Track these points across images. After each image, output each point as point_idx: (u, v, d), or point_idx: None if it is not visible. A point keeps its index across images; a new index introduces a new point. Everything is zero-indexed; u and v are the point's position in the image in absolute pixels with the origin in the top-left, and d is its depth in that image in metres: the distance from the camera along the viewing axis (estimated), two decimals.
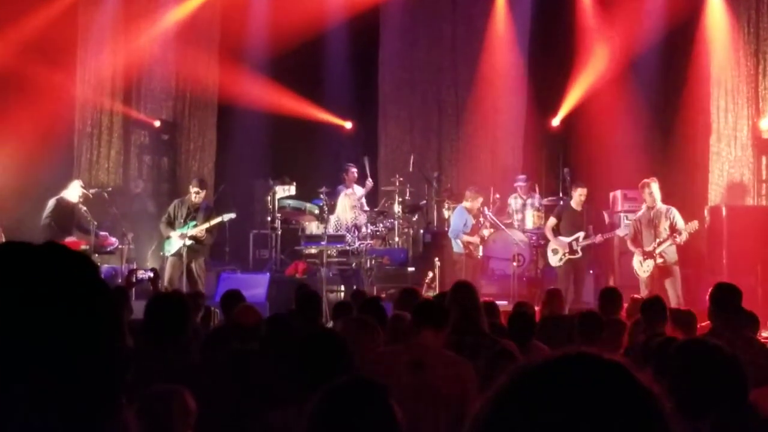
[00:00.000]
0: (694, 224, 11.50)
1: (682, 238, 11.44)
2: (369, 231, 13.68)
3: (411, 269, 13.59)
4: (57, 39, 13.70)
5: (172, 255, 12.11)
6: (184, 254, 12.00)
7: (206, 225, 12.18)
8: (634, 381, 1.16)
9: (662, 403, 1.16)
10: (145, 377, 3.53)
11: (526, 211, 14.28)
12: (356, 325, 5.05)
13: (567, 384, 1.14)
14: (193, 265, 12.17)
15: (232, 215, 12.62)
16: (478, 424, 1.17)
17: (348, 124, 16.31)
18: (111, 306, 1.33)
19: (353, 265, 13.56)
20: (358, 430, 2.61)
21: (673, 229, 11.51)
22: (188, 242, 12.06)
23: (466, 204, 13.16)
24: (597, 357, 1.18)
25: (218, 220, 12.35)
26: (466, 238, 12.97)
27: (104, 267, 12.52)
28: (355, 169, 14.55)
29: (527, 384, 1.16)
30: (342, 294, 12.78)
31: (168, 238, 12.23)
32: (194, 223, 12.16)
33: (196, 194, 12.31)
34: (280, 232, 14.17)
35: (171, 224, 12.26)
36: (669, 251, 11.52)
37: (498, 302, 8.46)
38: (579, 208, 12.49)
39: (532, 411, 1.12)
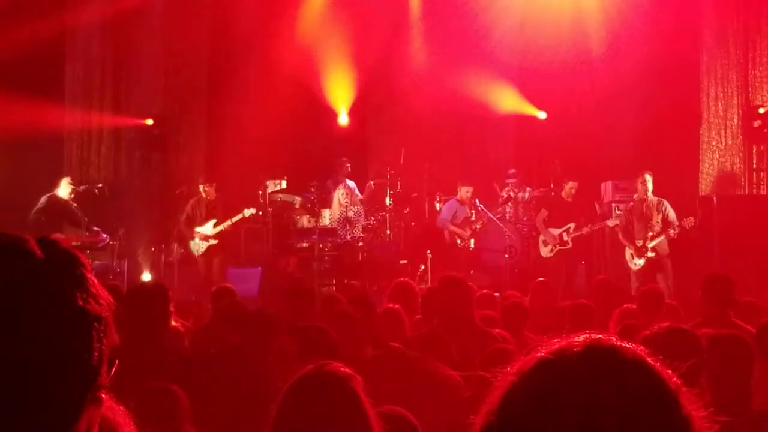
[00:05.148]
0: (690, 220, 11.51)
1: (675, 232, 11.46)
2: (361, 224, 13.69)
3: (403, 262, 13.59)
4: (45, 35, 13.63)
5: (200, 255, 12.66)
6: (211, 251, 12.70)
7: (228, 222, 12.62)
8: (652, 367, 1.17)
9: (681, 388, 1.17)
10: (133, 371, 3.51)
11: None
12: (338, 317, 5.06)
13: (589, 371, 1.14)
14: (215, 261, 12.65)
15: (253, 210, 12.91)
16: (495, 417, 1.17)
17: (343, 118, 16.17)
18: (97, 304, 1.31)
19: (345, 258, 13.57)
20: (322, 416, 2.61)
21: (666, 222, 11.53)
22: (212, 242, 12.59)
23: (458, 196, 13.25)
24: (616, 344, 1.19)
25: (239, 216, 12.71)
26: (453, 228, 13.02)
27: (96, 263, 12.53)
28: (349, 164, 14.54)
29: (549, 371, 1.16)
30: (335, 287, 12.79)
31: (192, 239, 12.67)
32: (214, 221, 12.40)
33: (205, 192, 12.63)
34: (271, 227, 14.14)
35: (191, 224, 12.51)
36: (661, 244, 11.54)
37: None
38: (569, 200, 12.54)
39: (553, 398, 1.13)
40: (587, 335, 1.20)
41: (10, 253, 1.27)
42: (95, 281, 1.32)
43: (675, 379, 1.18)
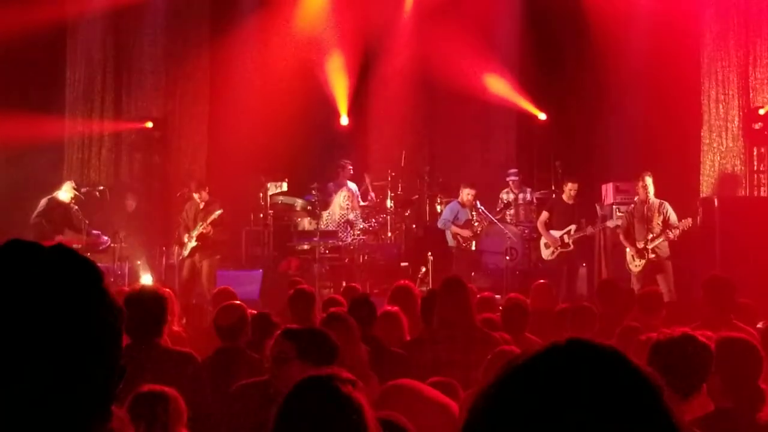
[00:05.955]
0: (688, 221, 11.49)
1: (675, 234, 11.44)
2: (361, 226, 13.68)
3: (404, 264, 13.58)
4: (45, 38, 13.64)
5: (186, 257, 12.63)
6: (196, 254, 12.59)
7: (205, 224, 12.53)
8: (631, 364, 1.15)
9: (660, 385, 1.15)
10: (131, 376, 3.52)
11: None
12: (338, 320, 5.05)
13: (563, 372, 1.12)
14: (203, 265, 12.52)
15: (220, 210, 12.78)
16: (475, 417, 1.15)
17: (344, 120, 16.10)
18: (112, 314, 1.32)
19: (346, 260, 13.57)
20: (323, 421, 2.60)
21: (667, 224, 11.51)
22: (193, 242, 12.53)
23: (460, 198, 13.26)
24: (591, 344, 1.17)
25: (212, 217, 12.59)
26: (455, 228, 13.02)
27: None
28: (350, 166, 14.53)
29: (523, 374, 1.14)
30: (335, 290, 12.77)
31: (185, 242, 12.68)
32: (201, 223, 12.48)
33: (197, 195, 12.65)
34: (272, 229, 14.15)
35: (187, 227, 12.67)
36: (662, 246, 11.52)
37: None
38: (570, 202, 12.54)
39: (528, 401, 1.11)
40: (566, 339, 1.17)
41: (26, 263, 1.27)
42: (110, 292, 1.33)
43: (657, 377, 1.16)
